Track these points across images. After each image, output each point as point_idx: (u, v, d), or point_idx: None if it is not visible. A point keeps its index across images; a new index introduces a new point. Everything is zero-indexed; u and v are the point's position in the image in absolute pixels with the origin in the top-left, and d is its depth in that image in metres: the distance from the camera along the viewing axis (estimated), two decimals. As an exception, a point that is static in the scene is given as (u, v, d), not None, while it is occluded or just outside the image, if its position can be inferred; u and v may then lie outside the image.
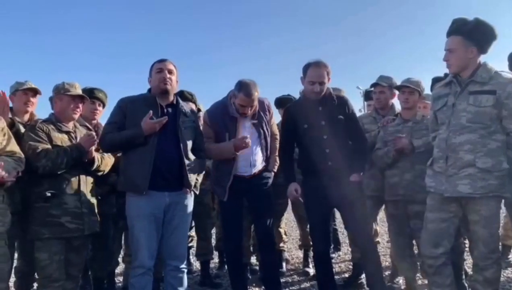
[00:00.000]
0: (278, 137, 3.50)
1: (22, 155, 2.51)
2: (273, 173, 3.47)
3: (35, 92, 3.14)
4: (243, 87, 3.11)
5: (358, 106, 17.98)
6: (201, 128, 3.15)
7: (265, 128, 3.31)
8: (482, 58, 2.59)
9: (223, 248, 4.24)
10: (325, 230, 3.20)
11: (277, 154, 3.47)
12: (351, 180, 3.02)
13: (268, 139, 3.36)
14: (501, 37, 2.56)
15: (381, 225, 4.81)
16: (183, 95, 3.76)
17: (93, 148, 2.82)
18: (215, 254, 4.54)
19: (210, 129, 3.26)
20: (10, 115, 2.83)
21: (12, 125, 2.75)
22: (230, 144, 3.12)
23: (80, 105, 2.94)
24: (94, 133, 2.86)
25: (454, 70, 2.61)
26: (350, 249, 4.19)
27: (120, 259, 3.83)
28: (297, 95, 4.16)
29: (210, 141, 3.24)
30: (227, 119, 3.22)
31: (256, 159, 3.28)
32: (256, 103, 3.20)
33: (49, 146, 2.70)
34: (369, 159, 3.34)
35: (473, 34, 2.51)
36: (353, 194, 3.03)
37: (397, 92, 3.56)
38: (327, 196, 3.01)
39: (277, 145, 3.46)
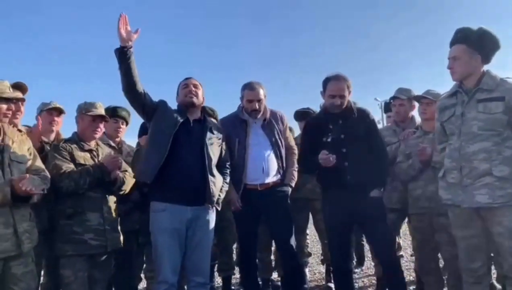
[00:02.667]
0: (295, 151, 3.50)
1: (48, 174, 2.57)
2: (290, 188, 3.43)
3: (59, 111, 3.22)
4: (247, 85, 3.32)
5: (377, 118, 17.65)
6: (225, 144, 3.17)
7: (277, 137, 3.33)
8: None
9: (238, 261, 4.24)
10: (344, 246, 3.11)
11: (295, 168, 3.46)
12: (371, 195, 2.98)
13: (282, 149, 3.35)
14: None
15: (404, 238, 4.73)
16: (204, 111, 3.82)
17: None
18: (237, 270, 4.52)
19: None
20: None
21: (41, 150, 2.83)
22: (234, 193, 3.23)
23: (101, 125, 3.00)
24: (119, 156, 2.91)
25: (457, 78, 2.60)
26: (373, 263, 4.13)
27: (142, 275, 3.85)
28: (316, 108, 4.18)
29: None
30: (237, 124, 3.30)
31: (268, 167, 3.26)
32: (262, 97, 3.29)
33: (72, 165, 2.76)
34: (389, 173, 3.25)
35: (477, 43, 2.52)
36: (374, 209, 2.97)
37: (416, 104, 3.53)
38: (347, 211, 2.96)
39: (295, 159, 3.45)
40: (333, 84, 3.02)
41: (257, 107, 3.27)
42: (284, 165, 3.36)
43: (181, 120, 2.84)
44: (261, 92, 3.30)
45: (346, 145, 3.00)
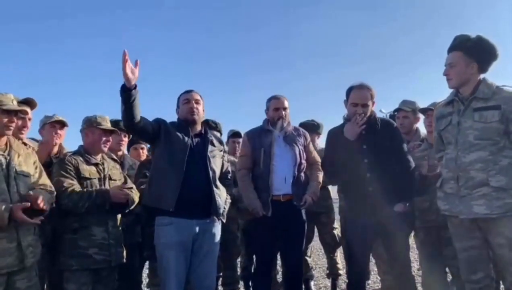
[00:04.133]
0: (319, 166, 3.43)
1: (53, 188, 2.57)
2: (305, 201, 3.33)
3: (62, 124, 3.22)
4: (272, 96, 3.45)
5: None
6: (226, 157, 3.19)
7: (298, 150, 3.32)
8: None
9: (252, 276, 4.09)
10: (362, 261, 3.03)
11: (319, 181, 3.42)
12: (395, 210, 2.87)
13: (303, 163, 3.34)
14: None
15: (410, 251, 4.67)
16: (208, 124, 3.83)
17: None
18: (241, 284, 4.48)
19: (247, 148, 3.37)
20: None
21: (50, 164, 2.84)
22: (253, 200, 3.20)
23: (111, 139, 3.02)
24: (128, 192, 2.85)
25: (453, 85, 2.59)
26: (379, 277, 4.08)
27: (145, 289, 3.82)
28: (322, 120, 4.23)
29: (246, 159, 3.34)
30: (262, 135, 3.35)
31: (290, 178, 3.26)
32: (287, 106, 3.40)
33: (75, 181, 2.74)
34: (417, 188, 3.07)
35: (474, 50, 2.51)
36: (396, 224, 2.85)
37: (421, 117, 3.52)
38: (368, 224, 2.88)
39: (319, 174, 3.42)
40: (356, 92, 2.97)
41: (283, 114, 3.35)
42: (303, 179, 3.34)
43: (189, 143, 2.82)
44: (286, 102, 3.41)
45: (368, 156, 2.92)
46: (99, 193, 2.76)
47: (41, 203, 2.27)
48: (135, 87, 2.51)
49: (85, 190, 2.75)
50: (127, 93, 2.49)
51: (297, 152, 3.32)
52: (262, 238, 3.33)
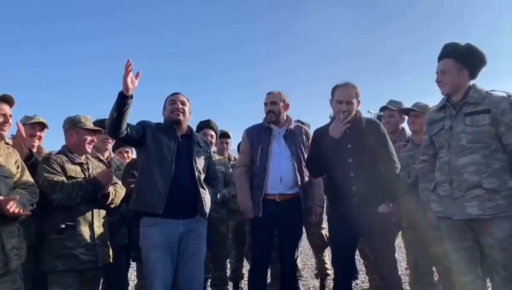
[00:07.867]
0: None
1: (36, 187, 2.53)
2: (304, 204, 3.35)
3: (42, 126, 3.18)
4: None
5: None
6: (215, 157, 3.23)
7: (299, 149, 3.33)
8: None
9: (249, 273, 4.04)
10: (348, 260, 3.04)
11: (322, 187, 3.42)
12: (379, 211, 2.88)
13: (303, 163, 3.33)
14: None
15: (398, 251, 4.70)
16: (210, 126, 4.12)
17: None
18: (230, 285, 4.47)
19: (246, 145, 3.39)
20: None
21: (30, 157, 2.80)
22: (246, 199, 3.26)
23: (95, 139, 3.00)
24: (112, 170, 2.89)
25: (446, 91, 2.65)
26: (367, 277, 4.09)
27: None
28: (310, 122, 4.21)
29: (244, 156, 3.37)
30: (261, 132, 3.37)
31: (286, 177, 3.24)
32: (276, 100, 3.36)
33: (64, 178, 2.73)
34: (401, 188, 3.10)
35: (465, 58, 2.59)
36: (380, 225, 2.87)
37: (406, 116, 3.54)
38: (352, 224, 2.87)
39: (320, 178, 3.41)
40: (341, 90, 2.99)
41: (271, 108, 3.34)
42: (304, 179, 3.33)
43: (175, 146, 2.82)
44: (278, 96, 3.38)
45: (352, 155, 2.94)
46: (88, 181, 2.77)
47: (11, 208, 2.20)
48: (131, 97, 2.54)
49: (74, 181, 2.74)
50: (123, 101, 2.52)
51: (297, 152, 3.31)
52: (256, 238, 3.34)
